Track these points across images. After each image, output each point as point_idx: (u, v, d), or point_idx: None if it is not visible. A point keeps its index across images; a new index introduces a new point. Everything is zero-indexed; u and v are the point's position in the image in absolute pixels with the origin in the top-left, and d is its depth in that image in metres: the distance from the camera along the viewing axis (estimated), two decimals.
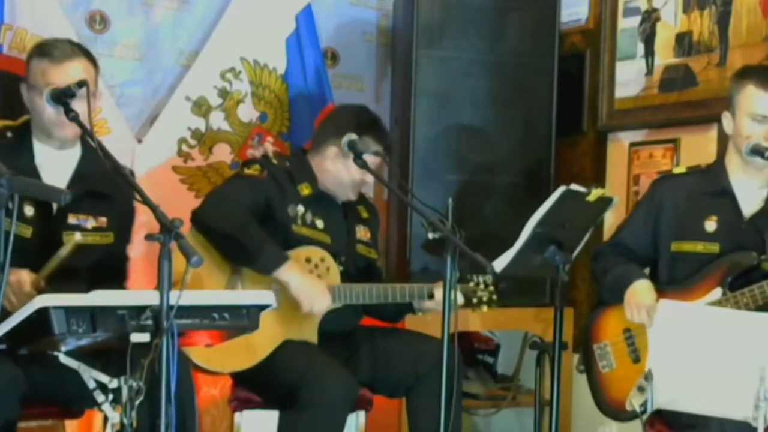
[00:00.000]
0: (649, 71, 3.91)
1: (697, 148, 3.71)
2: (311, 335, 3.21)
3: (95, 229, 2.95)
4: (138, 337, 2.31)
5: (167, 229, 2.25)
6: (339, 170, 3.31)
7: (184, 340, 2.56)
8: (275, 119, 4.09)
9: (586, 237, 2.95)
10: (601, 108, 4.10)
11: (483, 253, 2.75)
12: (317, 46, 4.10)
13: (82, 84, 2.68)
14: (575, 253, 2.93)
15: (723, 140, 3.50)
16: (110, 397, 2.48)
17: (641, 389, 2.57)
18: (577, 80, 4.22)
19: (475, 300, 3.25)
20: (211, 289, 3.10)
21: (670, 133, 3.87)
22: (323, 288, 3.14)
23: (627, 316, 3.03)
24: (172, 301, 2.23)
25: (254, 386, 3.21)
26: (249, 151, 3.97)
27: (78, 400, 2.81)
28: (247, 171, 3.30)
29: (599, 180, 4.06)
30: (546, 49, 4.04)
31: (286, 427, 3.07)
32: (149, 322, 2.30)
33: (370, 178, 3.29)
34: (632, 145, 4.03)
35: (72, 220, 2.90)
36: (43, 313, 2.23)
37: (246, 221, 3.12)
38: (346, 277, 3.28)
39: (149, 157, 3.88)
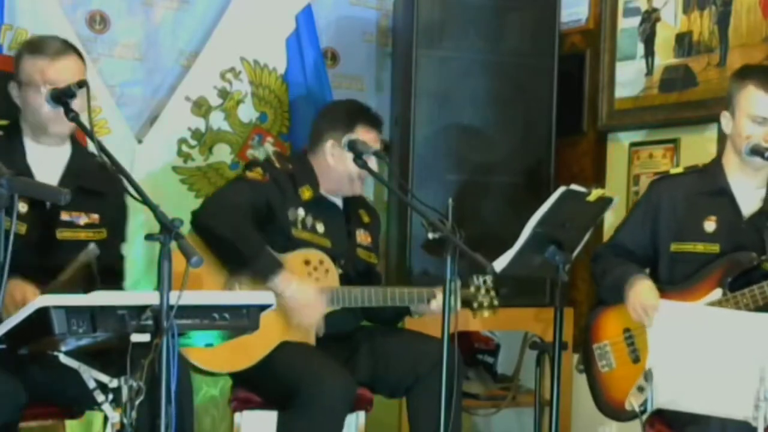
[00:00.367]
0: (649, 71, 3.91)
1: (696, 148, 3.71)
2: (309, 337, 3.21)
3: (87, 226, 2.95)
4: (138, 337, 2.31)
5: (167, 229, 2.26)
6: (338, 163, 3.32)
7: None
8: (275, 119, 4.09)
9: (586, 237, 2.95)
10: (601, 108, 4.10)
11: (483, 253, 2.75)
12: (317, 46, 4.10)
13: (82, 84, 2.69)
14: (575, 253, 2.93)
15: (723, 140, 3.50)
16: (110, 397, 2.48)
17: (641, 389, 2.57)
18: (577, 80, 4.22)
19: (475, 305, 3.25)
20: (210, 287, 3.10)
21: (670, 133, 3.87)
22: (317, 298, 3.14)
23: (633, 317, 3.02)
24: (172, 301, 2.24)
25: (253, 387, 3.21)
26: (249, 152, 3.98)
27: (78, 400, 2.81)
28: (249, 174, 3.30)
29: (599, 180, 4.06)
30: (546, 49, 4.04)
31: (285, 428, 3.07)
32: (149, 322, 2.30)
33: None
34: (632, 145, 4.03)
35: (64, 216, 2.90)
36: (43, 313, 2.23)
37: (244, 227, 3.13)
38: (346, 280, 3.28)
39: (149, 158, 3.87)
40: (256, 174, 3.28)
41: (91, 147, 2.90)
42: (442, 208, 2.93)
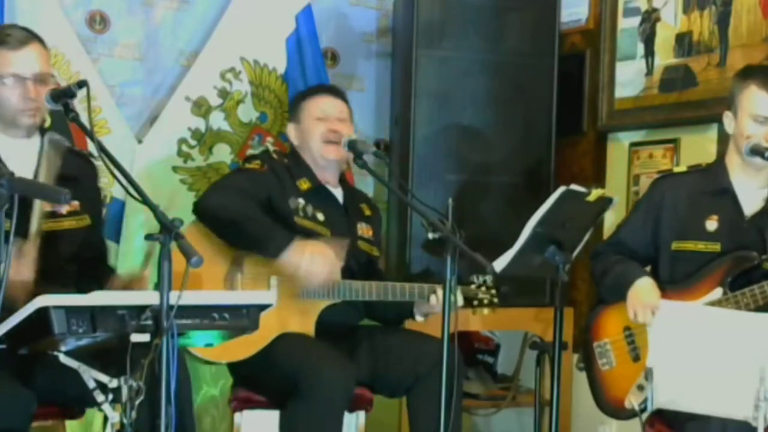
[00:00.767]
0: (649, 71, 3.91)
1: (697, 148, 3.71)
2: (309, 329, 3.21)
3: (70, 214, 2.91)
4: (138, 337, 2.31)
5: (167, 229, 2.26)
6: (303, 141, 3.41)
7: None
8: (275, 119, 4.09)
9: (586, 237, 2.95)
10: (601, 108, 4.10)
11: (483, 253, 2.75)
12: (317, 46, 4.10)
13: (82, 84, 2.68)
14: (575, 253, 2.93)
15: (723, 140, 3.50)
16: (110, 397, 2.48)
17: (641, 388, 2.57)
18: (577, 80, 4.22)
19: (476, 302, 3.25)
20: (209, 280, 3.11)
21: (670, 133, 3.87)
22: (332, 259, 3.13)
23: (630, 316, 3.02)
24: (172, 301, 2.24)
25: (253, 382, 3.22)
26: (249, 152, 3.99)
27: (78, 400, 2.81)
28: (247, 165, 3.36)
29: (599, 180, 4.06)
30: (546, 49, 4.04)
31: (287, 421, 3.07)
32: (149, 322, 2.30)
33: (333, 125, 3.36)
34: (632, 145, 4.03)
35: (47, 207, 2.84)
36: (43, 313, 2.23)
37: (249, 207, 3.16)
38: (347, 271, 3.26)
39: (149, 158, 3.87)
40: (254, 165, 3.34)
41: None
42: (442, 208, 2.94)
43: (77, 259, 2.96)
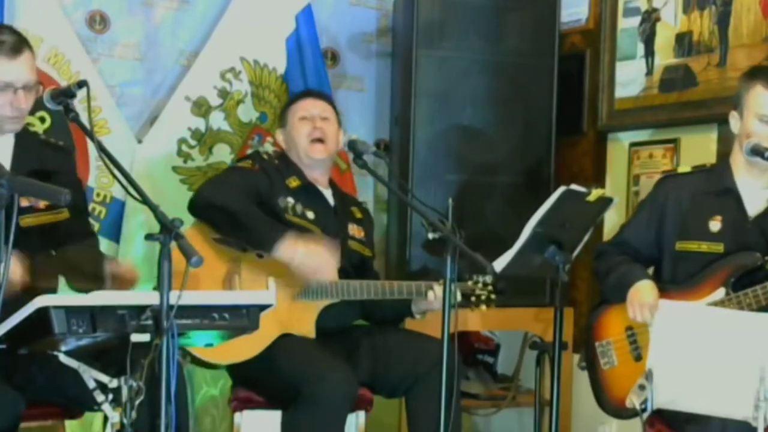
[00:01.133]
0: (649, 71, 3.91)
1: (697, 148, 3.71)
2: (309, 330, 3.21)
3: (48, 208, 2.89)
4: (138, 337, 2.31)
5: (167, 229, 2.26)
6: (291, 143, 3.44)
7: None
8: (275, 119, 4.07)
9: (586, 237, 2.95)
10: (601, 108, 4.10)
11: (483, 253, 2.75)
12: (317, 46, 4.10)
13: (82, 84, 2.67)
14: (575, 253, 2.93)
15: (723, 140, 3.50)
16: (110, 397, 2.48)
17: (642, 387, 2.57)
18: (577, 80, 4.22)
19: (473, 299, 3.25)
20: (208, 281, 3.11)
21: (670, 133, 3.87)
22: (327, 256, 3.14)
23: (629, 315, 3.02)
24: (172, 301, 2.24)
25: (253, 385, 3.22)
26: (248, 152, 3.98)
27: (78, 400, 2.80)
28: (239, 164, 3.44)
29: (599, 180, 4.06)
30: (546, 49, 4.04)
31: (290, 426, 3.07)
32: (149, 322, 2.30)
33: (316, 123, 3.41)
34: (632, 145, 4.03)
35: (24, 203, 2.77)
36: (43, 313, 2.23)
37: (242, 201, 3.19)
38: (341, 271, 3.27)
39: (149, 158, 3.88)
40: (245, 164, 3.39)
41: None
42: (442, 208, 2.94)
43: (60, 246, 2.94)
